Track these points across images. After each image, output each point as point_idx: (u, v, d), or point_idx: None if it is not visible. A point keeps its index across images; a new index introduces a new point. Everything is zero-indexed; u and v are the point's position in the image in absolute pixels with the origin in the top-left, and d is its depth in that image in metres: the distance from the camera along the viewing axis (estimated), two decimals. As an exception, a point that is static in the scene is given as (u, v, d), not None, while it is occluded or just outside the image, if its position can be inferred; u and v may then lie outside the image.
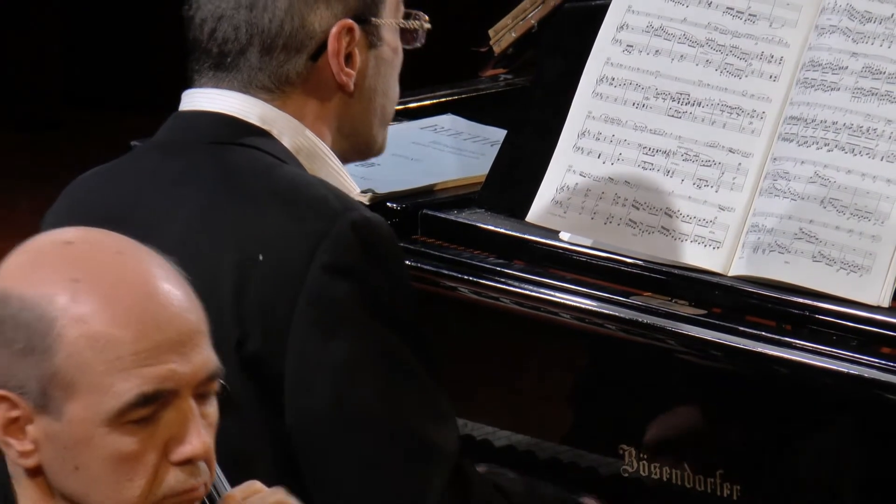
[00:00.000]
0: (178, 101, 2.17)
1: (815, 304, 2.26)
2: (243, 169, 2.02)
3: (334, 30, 2.04)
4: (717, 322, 2.33)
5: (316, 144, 2.08)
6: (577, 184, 2.47)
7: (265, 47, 2.04)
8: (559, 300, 2.46)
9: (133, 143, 2.74)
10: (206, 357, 1.47)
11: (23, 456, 1.43)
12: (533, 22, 2.99)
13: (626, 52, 2.49)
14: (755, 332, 2.30)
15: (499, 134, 2.74)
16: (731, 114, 2.38)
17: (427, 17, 2.24)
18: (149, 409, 1.41)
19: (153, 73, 7.17)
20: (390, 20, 2.13)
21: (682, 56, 2.45)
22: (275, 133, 2.04)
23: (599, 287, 2.45)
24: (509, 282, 2.50)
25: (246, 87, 2.05)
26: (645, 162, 2.43)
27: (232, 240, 1.95)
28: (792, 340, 2.26)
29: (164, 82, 7.19)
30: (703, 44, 2.43)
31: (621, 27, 2.49)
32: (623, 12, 2.50)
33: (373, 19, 2.09)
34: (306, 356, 1.90)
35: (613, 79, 2.49)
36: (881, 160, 2.23)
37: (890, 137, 2.23)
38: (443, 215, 2.56)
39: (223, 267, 1.91)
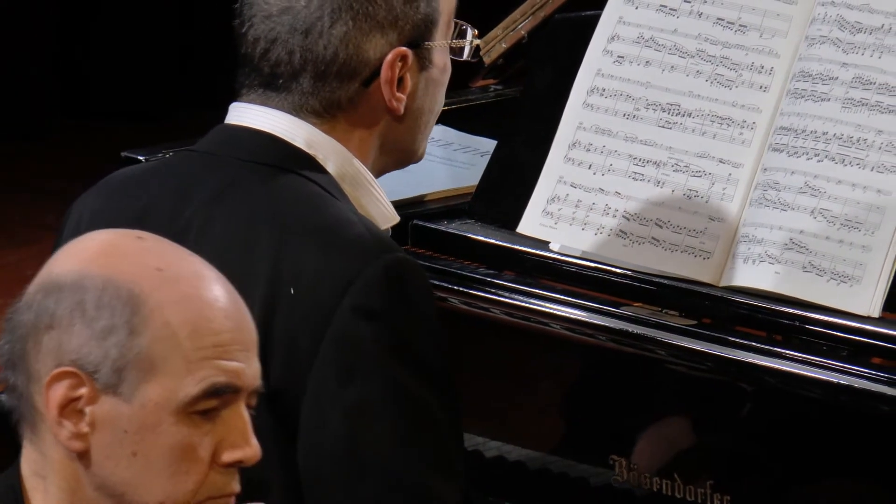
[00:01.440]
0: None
1: (806, 314, 2.25)
2: (285, 197, 1.99)
3: (389, 58, 2.02)
4: (708, 332, 2.32)
5: (360, 172, 2.06)
6: (567, 195, 2.45)
7: (318, 73, 2.01)
8: (549, 311, 2.45)
9: (124, 153, 2.76)
10: (258, 368, 1.50)
11: (76, 438, 1.42)
12: (523, 33, 2.99)
13: (616, 62, 2.48)
14: (745, 342, 2.28)
15: (489, 144, 2.73)
16: (721, 124, 2.37)
17: (476, 31, 2.23)
18: (216, 401, 1.42)
19: (144, 83, 7.16)
20: (441, 41, 2.12)
21: (672, 67, 2.44)
22: (320, 158, 2.01)
23: (590, 297, 2.44)
24: (500, 292, 2.49)
25: (295, 110, 2.02)
26: (635, 172, 2.42)
27: (264, 268, 1.93)
28: (782, 351, 2.24)
29: (155, 92, 7.26)
30: (693, 55, 2.42)
31: (612, 38, 2.48)
32: (614, 23, 2.49)
33: (425, 43, 2.08)
34: (324, 395, 1.88)
35: (604, 90, 2.47)
36: (871, 170, 2.22)
37: (880, 148, 2.22)
38: (433, 226, 2.55)
39: (253, 294, 1.86)
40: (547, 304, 2.45)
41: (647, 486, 2.36)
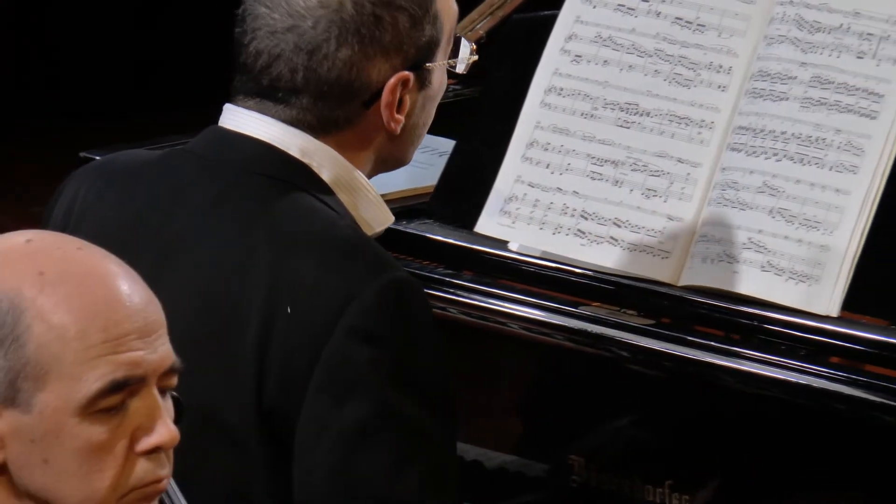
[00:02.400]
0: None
1: (764, 314, 2.22)
2: (284, 210, 1.96)
3: (391, 82, 1.98)
4: (666, 332, 2.30)
5: (355, 177, 2.03)
6: (525, 194, 2.42)
7: (319, 93, 1.97)
8: (508, 310, 2.42)
9: (81, 154, 2.70)
10: (168, 349, 1.45)
11: None
12: (482, 32, 2.96)
13: (574, 62, 2.45)
14: (704, 342, 2.26)
15: (447, 144, 2.69)
16: (679, 124, 2.34)
17: (475, 47, 2.20)
18: (118, 396, 1.37)
19: (104, 82, 7.09)
20: (441, 61, 2.08)
21: (630, 66, 2.41)
22: (314, 166, 1.97)
23: (548, 297, 2.41)
24: (458, 292, 2.46)
25: (291, 122, 1.97)
26: (594, 172, 2.39)
27: (262, 283, 1.89)
28: (741, 350, 2.22)
29: (118, 92, 7.19)
30: (651, 54, 2.39)
31: (570, 37, 2.45)
32: (572, 23, 2.46)
33: (427, 65, 2.04)
34: (318, 417, 1.84)
35: (562, 89, 2.44)
36: (830, 170, 2.20)
37: (839, 147, 2.19)
38: (391, 226, 2.51)
39: (250, 309, 1.85)
40: (505, 304, 2.43)
41: (606, 487, 2.34)
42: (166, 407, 1.44)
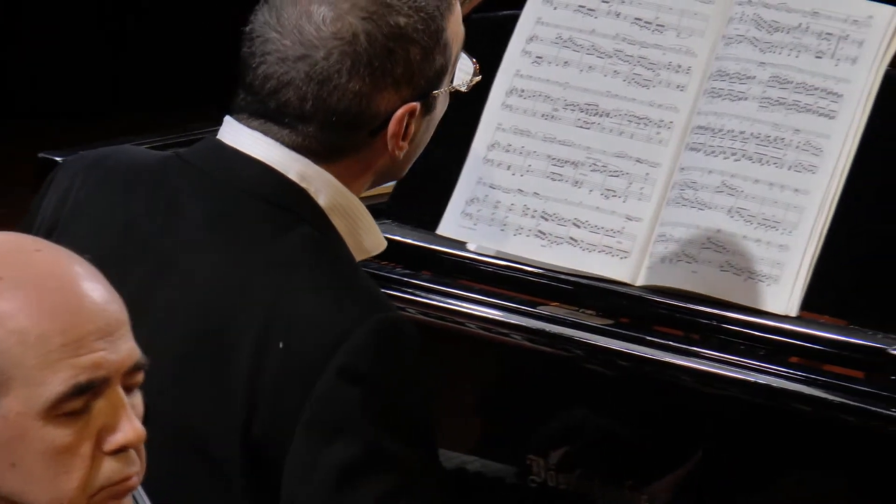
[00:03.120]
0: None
1: (724, 313, 2.19)
2: (282, 240, 1.92)
3: (399, 113, 1.94)
4: (625, 332, 2.27)
5: (352, 204, 1.99)
6: (486, 196, 2.40)
7: (327, 122, 1.93)
8: (466, 310, 2.40)
9: (41, 154, 2.66)
10: (131, 346, 1.41)
11: None
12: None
13: (535, 63, 2.42)
14: (663, 341, 2.23)
15: (407, 145, 2.66)
16: (638, 124, 2.32)
17: (478, 67, 2.18)
18: (82, 399, 1.34)
19: (69, 81, 7.03)
20: (447, 86, 2.05)
21: (590, 67, 2.38)
22: (312, 191, 1.92)
23: (507, 297, 2.39)
24: (416, 292, 2.44)
25: (295, 147, 1.93)
26: (553, 173, 2.37)
27: (258, 313, 1.85)
28: (700, 350, 2.20)
29: (79, 91, 7.12)
30: (611, 55, 2.36)
31: (531, 39, 2.43)
32: (532, 24, 2.43)
33: (433, 92, 2.01)
34: (307, 454, 1.80)
35: (523, 90, 2.42)
36: (789, 169, 2.17)
37: (798, 147, 2.17)
38: (351, 226, 2.50)
39: (244, 336, 1.82)
40: (464, 304, 2.41)
41: (565, 487, 2.31)
42: (133, 404, 1.40)
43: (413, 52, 1.94)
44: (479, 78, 2.17)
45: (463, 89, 2.14)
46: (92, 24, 7.18)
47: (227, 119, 1.99)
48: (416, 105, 1.95)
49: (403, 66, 1.94)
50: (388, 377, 1.86)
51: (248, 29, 1.98)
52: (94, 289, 1.39)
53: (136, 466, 1.41)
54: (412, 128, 1.97)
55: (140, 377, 1.43)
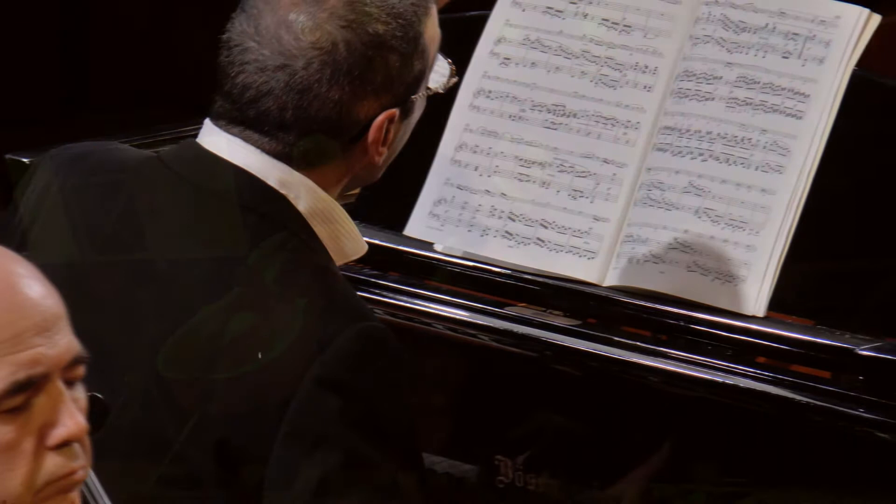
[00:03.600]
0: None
1: (691, 314, 2.18)
2: (263, 250, 1.90)
3: (379, 120, 1.92)
4: (592, 332, 2.25)
5: (332, 209, 1.97)
6: (454, 196, 2.38)
7: (306, 131, 1.90)
8: (434, 311, 2.38)
9: (8, 156, 2.62)
10: (70, 340, 1.39)
11: None
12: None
13: (503, 64, 2.40)
14: (630, 342, 2.22)
15: (376, 146, 2.64)
16: (605, 125, 2.30)
17: (454, 69, 2.15)
18: (22, 396, 1.31)
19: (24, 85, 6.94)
20: (425, 90, 2.03)
21: (557, 68, 2.36)
22: (291, 197, 1.89)
23: (474, 298, 2.37)
24: (384, 293, 2.41)
25: (275, 154, 1.91)
26: (521, 174, 2.35)
27: (238, 322, 1.83)
28: (667, 350, 2.18)
29: (35, 95, 7.04)
30: (578, 55, 2.34)
31: (499, 40, 2.40)
32: (501, 25, 2.41)
33: (412, 97, 1.98)
34: (287, 465, 1.79)
35: (490, 91, 2.40)
36: (756, 170, 2.15)
37: (765, 147, 2.15)
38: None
39: (224, 345, 1.80)
40: (431, 305, 2.39)
41: (532, 487, 2.30)
42: (75, 398, 1.37)
43: (392, 59, 1.92)
44: (455, 79, 2.15)
45: (440, 91, 2.12)
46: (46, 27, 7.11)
47: (207, 123, 1.97)
48: (396, 111, 1.93)
49: (383, 73, 1.92)
50: (368, 387, 1.84)
51: (225, 37, 1.95)
52: (29, 285, 1.35)
53: (80, 460, 1.38)
54: (391, 133, 1.95)
55: (81, 371, 1.41)
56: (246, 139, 1.91)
